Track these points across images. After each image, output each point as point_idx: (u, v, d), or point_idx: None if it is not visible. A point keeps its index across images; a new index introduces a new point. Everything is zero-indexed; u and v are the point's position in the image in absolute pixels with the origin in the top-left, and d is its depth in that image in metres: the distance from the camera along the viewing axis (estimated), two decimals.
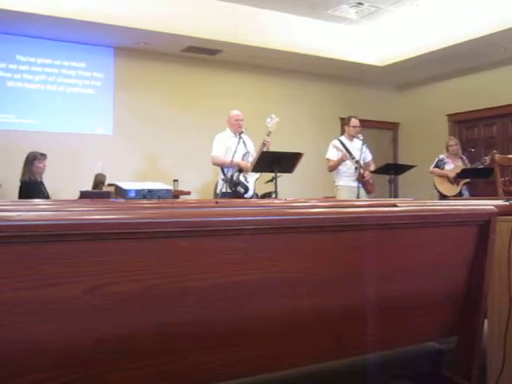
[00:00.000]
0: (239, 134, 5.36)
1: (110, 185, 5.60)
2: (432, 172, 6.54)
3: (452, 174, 6.31)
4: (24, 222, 0.94)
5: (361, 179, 5.84)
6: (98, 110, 7.19)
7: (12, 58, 6.72)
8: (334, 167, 5.94)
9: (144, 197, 3.92)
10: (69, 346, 1.03)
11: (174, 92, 7.59)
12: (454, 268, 1.56)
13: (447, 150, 6.61)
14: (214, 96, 7.66)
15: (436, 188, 6.51)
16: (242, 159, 5.35)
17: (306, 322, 1.32)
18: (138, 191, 3.95)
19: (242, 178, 5.32)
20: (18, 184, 5.46)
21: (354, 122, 6.06)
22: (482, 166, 6.20)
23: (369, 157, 6.09)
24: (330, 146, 5.98)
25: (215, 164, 5.53)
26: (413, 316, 1.53)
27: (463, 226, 1.55)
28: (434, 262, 1.52)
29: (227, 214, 1.21)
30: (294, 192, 6.66)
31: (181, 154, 7.45)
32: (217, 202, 2.69)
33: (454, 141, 6.71)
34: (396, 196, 7.48)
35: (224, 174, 5.33)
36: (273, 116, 5.40)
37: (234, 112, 5.55)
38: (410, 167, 6.05)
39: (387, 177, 6.07)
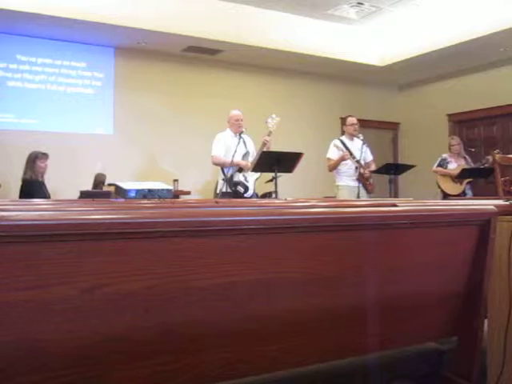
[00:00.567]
0: (239, 134, 5.35)
1: (110, 184, 5.60)
2: (435, 171, 6.53)
3: (455, 174, 6.31)
4: (23, 222, 0.94)
5: (361, 179, 5.84)
6: (98, 109, 7.18)
7: (12, 58, 6.72)
8: (334, 167, 5.94)
9: (144, 197, 3.92)
10: (68, 346, 1.02)
11: (175, 92, 7.58)
12: (454, 268, 1.56)
13: (449, 149, 6.61)
14: (214, 96, 7.66)
15: (439, 187, 6.50)
16: (242, 159, 5.35)
17: (307, 321, 1.31)
18: (138, 191, 3.95)
19: (241, 178, 5.31)
20: (17, 184, 5.45)
21: (351, 120, 6.06)
22: (483, 166, 6.19)
23: (369, 157, 6.08)
24: (331, 145, 5.98)
25: (215, 164, 5.52)
26: (413, 316, 1.52)
27: (463, 225, 1.54)
28: (434, 262, 1.52)
29: (227, 213, 1.21)
30: (294, 192, 6.65)
31: (181, 153, 7.45)
32: (217, 202, 2.69)
33: (456, 140, 6.70)
34: (396, 196, 7.47)
35: (224, 174, 5.33)
36: (273, 116, 5.39)
37: (234, 112, 5.55)
38: (410, 167, 6.05)
39: (387, 177, 6.07)
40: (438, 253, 1.53)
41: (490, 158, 5.99)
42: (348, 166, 5.88)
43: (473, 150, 7.24)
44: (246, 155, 5.40)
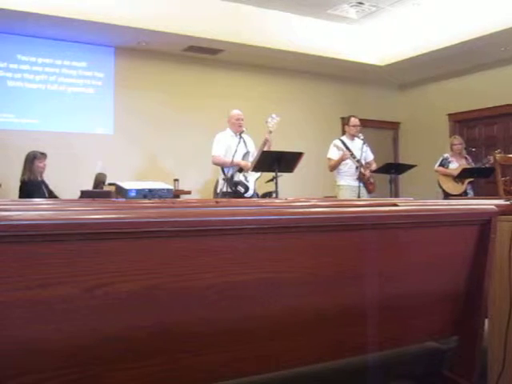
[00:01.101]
0: (240, 134, 5.34)
1: (110, 184, 5.59)
2: (437, 171, 6.53)
3: (457, 173, 6.31)
4: (24, 222, 0.94)
5: (362, 179, 5.83)
6: (98, 109, 7.18)
7: (13, 58, 6.72)
8: (334, 166, 5.94)
9: (145, 196, 3.91)
10: (68, 346, 1.02)
11: (175, 92, 7.58)
12: (455, 267, 1.56)
13: (451, 149, 6.60)
14: (214, 96, 7.66)
15: (441, 187, 6.50)
16: (242, 159, 5.34)
17: (307, 321, 1.31)
18: (138, 191, 3.95)
19: (242, 178, 5.31)
20: (18, 183, 5.45)
21: (354, 121, 6.06)
22: (483, 166, 6.19)
23: (370, 156, 6.08)
24: (331, 145, 5.98)
25: (215, 164, 5.52)
26: (413, 316, 1.52)
27: (464, 225, 1.54)
28: (435, 262, 1.52)
29: (227, 213, 1.21)
30: (294, 191, 6.66)
31: (181, 153, 7.45)
32: (217, 202, 2.68)
33: (458, 140, 6.70)
34: (397, 195, 7.48)
35: (224, 174, 5.32)
36: (273, 115, 5.39)
37: (235, 111, 5.54)
38: (410, 167, 6.05)
39: (388, 176, 6.07)
40: (439, 252, 1.53)
41: (490, 157, 6.00)
42: (349, 166, 5.88)
43: (473, 149, 7.24)
44: (246, 155, 5.39)
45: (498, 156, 4.96)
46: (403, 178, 7.93)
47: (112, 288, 1.04)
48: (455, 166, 6.45)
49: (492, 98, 7.86)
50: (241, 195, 5.22)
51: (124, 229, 1.04)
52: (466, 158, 6.63)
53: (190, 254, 1.13)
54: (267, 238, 1.23)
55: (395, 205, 1.85)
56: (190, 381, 1.18)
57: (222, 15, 6.88)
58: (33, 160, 5.47)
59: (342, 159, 5.84)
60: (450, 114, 8.69)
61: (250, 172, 5.29)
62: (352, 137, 6.04)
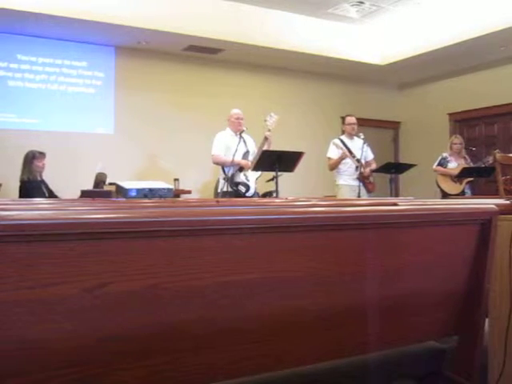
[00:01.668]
0: (240, 133, 5.34)
1: (110, 184, 5.59)
2: (435, 170, 6.53)
3: (455, 173, 6.31)
4: (24, 222, 0.94)
5: (361, 178, 5.83)
6: (98, 109, 7.18)
7: (13, 58, 6.72)
8: (334, 166, 5.94)
9: (145, 196, 3.92)
10: (68, 346, 1.03)
11: (175, 91, 7.58)
12: (455, 267, 1.56)
13: (451, 148, 6.59)
14: (215, 95, 7.66)
15: (439, 186, 6.50)
16: (242, 158, 5.34)
17: (307, 321, 1.31)
18: (138, 190, 3.95)
19: (242, 177, 5.31)
20: (18, 183, 5.45)
21: (349, 119, 6.07)
22: (483, 165, 6.19)
23: (370, 156, 6.08)
24: (331, 144, 5.99)
25: (215, 163, 5.52)
26: (414, 315, 1.52)
27: (464, 224, 1.54)
28: (435, 261, 1.52)
29: (228, 213, 1.21)
30: (294, 191, 6.65)
31: (182, 153, 7.44)
32: (218, 201, 2.68)
33: (459, 139, 6.70)
34: (397, 195, 7.48)
35: (225, 173, 5.32)
36: (272, 114, 5.39)
37: (234, 111, 5.54)
38: (410, 166, 6.04)
39: (388, 176, 6.07)
40: (439, 252, 1.53)
41: (490, 157, 6.00)
42: (348, 165, 5.89)
43: (473, 148, 7.24)
44: (246, 154, 5.39)
45: (498, 155, 4.96)
46: (403, 177, 7.93)
47: (113, 287, 1.04)
48: (454, 165, 6.45)
49: (492, 97, 7.86)
50: (241, 195, 5.22)
51: (124, 228, 1.04)
52: (464, 157, 6.63)
53: (191, 253, 1.13)
54: (267, 238, 1.23)
55: (395, 204, 1.85)
56: (189, 380, 1.18)
57: (222, 15, 6.88)
58: (32, 160, 5.46)
59: (341, 158, 5.84)
60: (450, 114, 8.69)
61: (250, 171, 5.29)
62: (351, 136, 6.04)
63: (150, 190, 3.97)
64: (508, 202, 2.01)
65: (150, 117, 7.33)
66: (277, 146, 5.31)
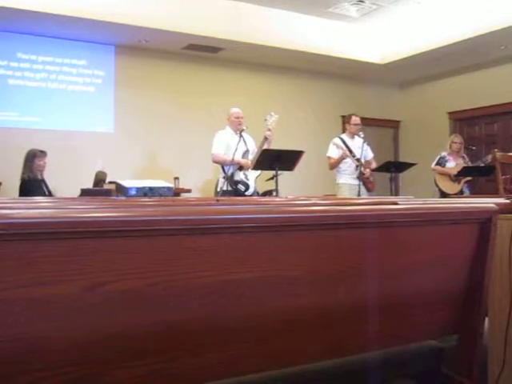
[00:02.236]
0: (240, 132, 5.34)
1: (110, 182, 5.60)
2: (434, 169, 6.53)
3: (454, 172, 6.31)
4: (24, 220, 0.94)
5: (361, 177, 5.83)
6: (98, 107, 7.18)
7: (13, 56, 6.72)
8: (334, 165, 5.94)
9: (145, 194, 3.92)
10: (68, 345, 1.03)
11: (175, 90, 7.58)
12: (455, 266, 1.56)
13: (450, 147, 6.59)
14: (215, 94, 7.66)
15: (437, 186, 6.50)
16: (242, 157, 5.34)
17: (307, 320, 1.31)
18: (138, 189, 3.95)
19: (242, 176, 5.31)
20: (18, 181, 5.45)
21: (355, 119, 6.05)
22: (483, 164, 6.19)
23: (370, 155, 6.08)
24: (331, 143, 5.98)
25: (215, 162, 5.51)
26: (414, 314, 1.52)
27: (464, 224, 1.54)
28: (435, 260, 1.52)
29: (228, 212, 1.21)
30: (294, 190, 6.65)
31: (182, 151, 7.45)
32: (218, 200, 2.69)
33: (458, 139, 6.70)
34: (397, 194, 7.47)
35: (225, 172, 5.32)
36: (272, 113, 5.39)
37: (234, 110, 5.53)
38: (410, 165, 6.04)
39: (388, 175, 6.06)
40: (439, 251, 1.53)
41: (489, 157, 6.00)
42: (348, 165, 5.88)
43: (473, 147, 7.24)
44: (245, 153, 5.39)
45: (498, 154, 4.96)
46: (403, 176, 7.92)
47: (113, 286, 1.04)
48: (452, 164, 6.45)
49: (492, 96, 7.86)
50: (241, 194, 5.22)
51: (124, 227, 1.04)
52: (463, 157, 6.63)
53: (191, 252, 1.13)
54: (267, 237, 1.23)
55: (395, 203, 1.85)
56: (189, 379, 1.18)
57: (222, 13, 6.87)
58: (32, 158, 5.46)
59: (341, 158, 5.84)
60: (450, 113, 8.69)
61: (250, 170, 5.29)
62: (352, 135, 6.03)
63: (150, 188, 3.98)
64: (508, 201, 2.01)
65: (150, 115, 7.33)
66: (277, 144, 5.31)
